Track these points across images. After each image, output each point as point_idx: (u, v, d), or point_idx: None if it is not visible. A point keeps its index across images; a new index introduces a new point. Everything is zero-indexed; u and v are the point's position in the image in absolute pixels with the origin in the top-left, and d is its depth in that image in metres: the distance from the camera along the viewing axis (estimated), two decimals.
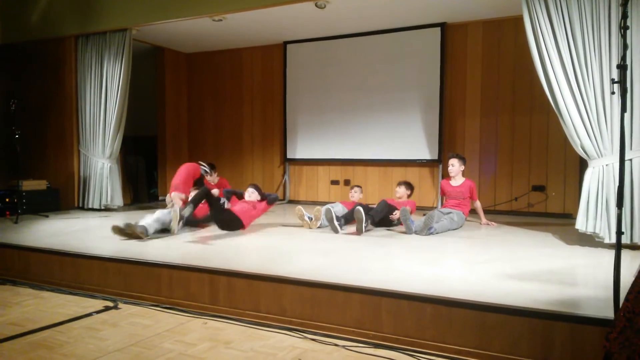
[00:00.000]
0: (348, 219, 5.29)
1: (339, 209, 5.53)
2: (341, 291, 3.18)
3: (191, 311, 3.60)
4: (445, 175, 6.99)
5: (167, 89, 8.73)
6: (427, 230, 4.94)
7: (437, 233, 5.01)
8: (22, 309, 3.72)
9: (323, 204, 6.71)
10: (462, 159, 5.68)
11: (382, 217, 5.24)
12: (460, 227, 5.40)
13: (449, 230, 5.20)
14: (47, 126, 7.59)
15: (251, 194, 5.46)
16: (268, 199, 5.51)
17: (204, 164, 5.84)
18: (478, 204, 5.71)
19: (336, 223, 5.10)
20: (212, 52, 8.79)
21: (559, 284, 3.22)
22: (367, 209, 5.20)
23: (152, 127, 8.84)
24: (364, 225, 4.98)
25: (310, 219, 5.42)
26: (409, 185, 5.79)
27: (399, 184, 5.82)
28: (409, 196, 5.82)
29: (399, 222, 5.27)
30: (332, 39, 7.65)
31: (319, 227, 5.38)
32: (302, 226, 5.48)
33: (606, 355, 2.19)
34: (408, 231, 4.99)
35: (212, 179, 6.44)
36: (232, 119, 8.73)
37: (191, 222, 5.37)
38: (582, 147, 4.44)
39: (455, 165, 5.60)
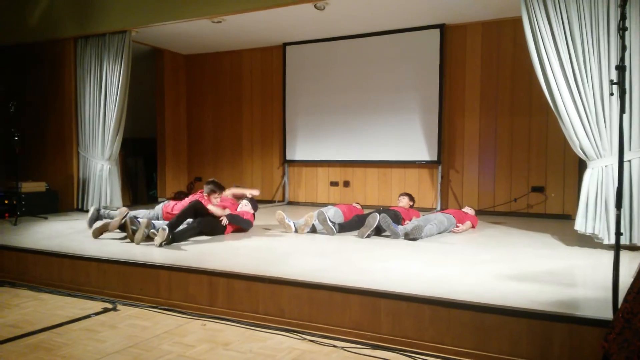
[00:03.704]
0: (345, 227, 5.20)
1: (331, 213, 5.41)
2: (340, 292, 3.18)
3: (190, 313, 3.59)
4: (445, 176, 7.03)
5: (166, 90, 8.73)
6: (412, 237, 4.81)
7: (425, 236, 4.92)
8: (20, 310, 3.71)
9: (322, 205, 6.72)
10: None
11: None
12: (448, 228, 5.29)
13: (440, 232, 5.14)
14: (46, 128, 7.59)
15: (244, 206, 5.62)
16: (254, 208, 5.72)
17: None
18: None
19: (330, 224, 5.08)
20: (212, 53, 8.79)
21: (558, 285, 3.22)
22: (383, 214, 5.00)
23: (151, 129, 8.84)
24: (370, 231, 4.92)
25: (296, 223, 5.33)
26: (411, 197, 5.99)
27: (402, 194, 5.99)
28: (411, 206, 5.85)
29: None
30: (331, 40, 7.65)
31: (309, 232, 5.24)
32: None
33: (605, 356, 2.19)
34: (395, 236, 4.89)
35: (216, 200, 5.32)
36: (231, 120, 8.73)
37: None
38: (581, 148, 4.44)
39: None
